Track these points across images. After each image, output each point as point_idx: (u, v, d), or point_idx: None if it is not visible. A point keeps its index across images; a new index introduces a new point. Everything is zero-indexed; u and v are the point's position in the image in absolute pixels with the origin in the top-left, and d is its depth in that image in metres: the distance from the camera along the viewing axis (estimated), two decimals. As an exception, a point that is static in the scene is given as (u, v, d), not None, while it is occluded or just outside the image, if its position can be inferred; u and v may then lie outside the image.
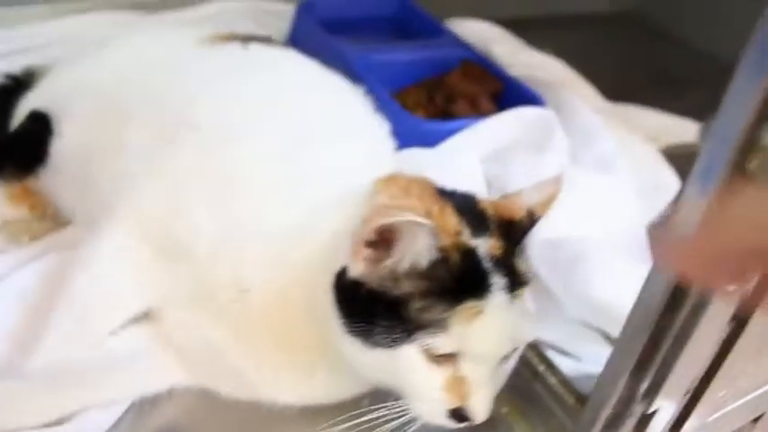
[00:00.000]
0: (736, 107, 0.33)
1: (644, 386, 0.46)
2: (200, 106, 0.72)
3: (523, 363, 0.63)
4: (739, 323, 0.47)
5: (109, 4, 1.26)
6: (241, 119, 0.72)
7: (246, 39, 0.84)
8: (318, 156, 0.70)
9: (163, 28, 0.97)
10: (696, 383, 0.50)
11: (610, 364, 0.45)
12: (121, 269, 0.65)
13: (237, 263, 0.62)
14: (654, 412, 0.47)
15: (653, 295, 0.40)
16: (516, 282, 0.55)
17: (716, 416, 0.63)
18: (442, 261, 0.52)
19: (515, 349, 0.56)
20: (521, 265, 0.57)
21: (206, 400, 0.66)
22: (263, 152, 0.68)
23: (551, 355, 0.68)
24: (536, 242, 0.75)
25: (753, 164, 0.34)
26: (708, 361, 0.46)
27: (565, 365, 0.66)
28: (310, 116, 0.75)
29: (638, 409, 0.48)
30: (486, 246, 0.55)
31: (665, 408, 0.48)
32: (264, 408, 0.64)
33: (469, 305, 0.52)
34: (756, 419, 0.80)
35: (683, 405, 0.53)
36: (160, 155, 0.69)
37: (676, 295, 0.40)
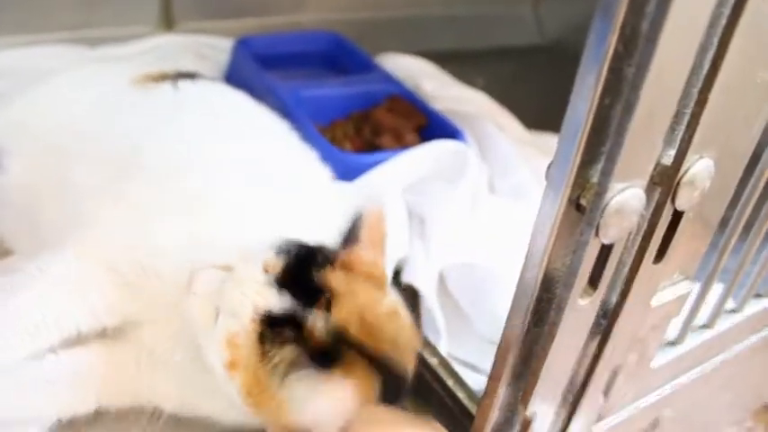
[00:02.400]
0: (568, 147, 0.40)
1: (522, 401, 0.52)
2: (143, 149, 0.77)
3: (434, 378, 0.68)
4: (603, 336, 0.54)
5: (52, 39, 1.28)
6: (183, 153, 0.77)
7: (175, 76, 0.89)
8: (258, 181, 0.76)
9: (97, 67, 1.00)
10: (570, 389, 0.57)
11: (492, 372, 0.51)
12: (72, 288, 0.67)
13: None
14: (532, 416, 0.53)
15: (522, 307, 0.46)
16: None
17: (606, 422, 0.70)
18: None
19: None
20: None
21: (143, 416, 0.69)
22: (207, 181, 0.74)
23: (462, 371, 0.73)
24: (450, 265, 0.81)
25: (584, 200, 0.41)
26: (574, 367, 0.53)
27: (473, 380, 0.72)
28: (243, 146, 0.82)
29: (520, 414, 0.54)
30: None
31: (544, 411, 0.54)
32: (205, 424, 0.68)
33: None
34: (654, 423, 0.87)
35: (562, 410, 0.59)
36: (115, 189, 0.73)
37: (540, 309, 0.47)
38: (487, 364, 0.77)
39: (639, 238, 0.48)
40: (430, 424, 0.54)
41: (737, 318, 0.79)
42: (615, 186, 0.41)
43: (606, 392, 0.61)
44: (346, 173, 0.92)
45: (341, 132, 1.10)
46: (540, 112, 1.33)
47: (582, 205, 0.42)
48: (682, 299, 0.59)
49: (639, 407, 0.74)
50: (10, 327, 0.65)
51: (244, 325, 0.57)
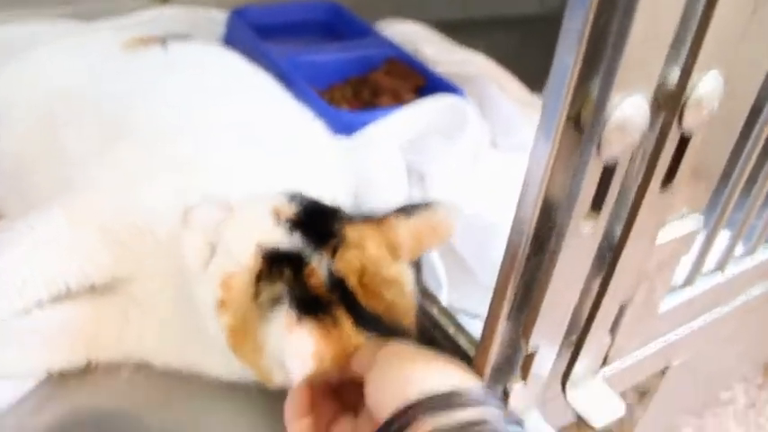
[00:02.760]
0: (565, 59, 0.38)
1: (523, 336, 0.51)
2: (132, 111, 0.76)
3: (434, 326, 0.67)
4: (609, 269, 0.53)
5: (45, 13, 1.27)
6: (173, 114, 0.76)
7: (163, 39, 0.88)
8: (251, 140, 0.74)
9: (86, 34, 0.99)
10: (574, 326, 0.55)
11: (491, 307, 0.50)
12: (61, 243, 0.66)
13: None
14: (535, 351, 0.52)
15: (520, 234, 0.44)
16: None
17: (612, 368, 0.69)
18: None
19: None
20: None
21: (135, 371, 0.68)
22: (199, 142, 0.73)
23: (463, 320, 0.72)
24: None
25: (584, 115, 0.40)
26: (577, 300, 0.51)
27: (475, 328, 0.70)
28: (236, 105, 0.80)
29: (521, 350, 0.53)
30: None
31: (546, 348, 0.53)
32: (195, 378, 0.67)
33: None
34: (663, 371, 0.86)
35: (566, 350, 0.58)
36: (108, 152, 0.72)
37: (540, 237, 0.45)
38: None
39: (645, 164, 0.47)
40: (450, 360, 0.53)
41: (748, 263, 0.77)
42: (616, 98, 0.39)
43: (612, 332, 0.60)
44: (345, 131, 0.91)
45: (339, 95, 1.08)
46: (541, 81, 1.32)
47: (582, 122, 0.40)
48: (690, 235, 0.58)
49: (647, 353, 0.73)
50: (21, 272, 0.65)
51: (242, 265, 0.56)
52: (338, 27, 1.34)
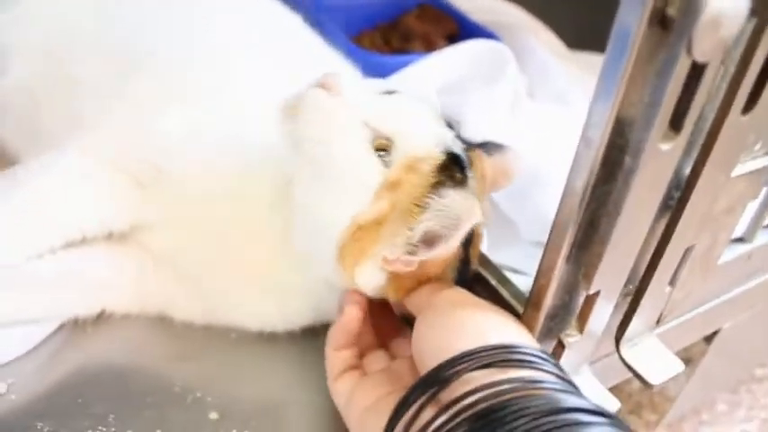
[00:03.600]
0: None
1: (583, 269, 0.45)
2: (150, 34, 0.72)
3: (478, 280, 0.62)
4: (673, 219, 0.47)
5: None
6: (186, 43, 0.71)
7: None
8: (279, 67, 0.70)
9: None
10: (634, 275, 0.50)
11: (548, 244, 0.44)
12: (76, 188, 0.63)
13: (212, 178, 0.61)
14: (597, 294, 0.47)
15: (588, 158, 0.39)
16: None
17: (665, 327, 0.63)
18: None
19: None
20: None
21: (151, 323, 0.65)
22: (225, 69, 0.68)
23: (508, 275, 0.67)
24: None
25: (672, 8, 0.34)
26: (639, 244, 0.46)
27: (518, 281, 0.65)
28: (254, 35, 0.75)
29: (579, 295, 0.47)
30: None
31: (604, 295, 0.48)
32: (216, 332, 0.64)
33: None
34: (709, 338, 0.81)
35: (624, 302, 0.53)
36: (119, 85, 0.67)
37: (609, 159, 0.40)
38: (532, 266, 0.72)
39: (729, 78, 0.41)
40: (507, 315, 0.50)
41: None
42: (712, -13, 0.33)
43: (672, 283, 0.54)
44: (376, 76, 0.85)
45: (368, 42, 1.03)
46: (578, 35, 1.27)
47: (669, 17, 0.34)
48: (760, 174, 0.52)
49: (701, 312, 0.67)
50: (11, 226, 0.61)
51: (428, 150, 0.53)
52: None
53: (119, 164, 0.62)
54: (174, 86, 0.66)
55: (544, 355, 0.44)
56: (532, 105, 0.90)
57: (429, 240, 0.50)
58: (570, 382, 0.44)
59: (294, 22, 0.81)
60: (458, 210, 0.50)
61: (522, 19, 1.16)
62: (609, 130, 0.38)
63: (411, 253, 0.51)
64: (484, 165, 0.58)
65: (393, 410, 0.44)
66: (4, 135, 0.80)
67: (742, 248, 0.65)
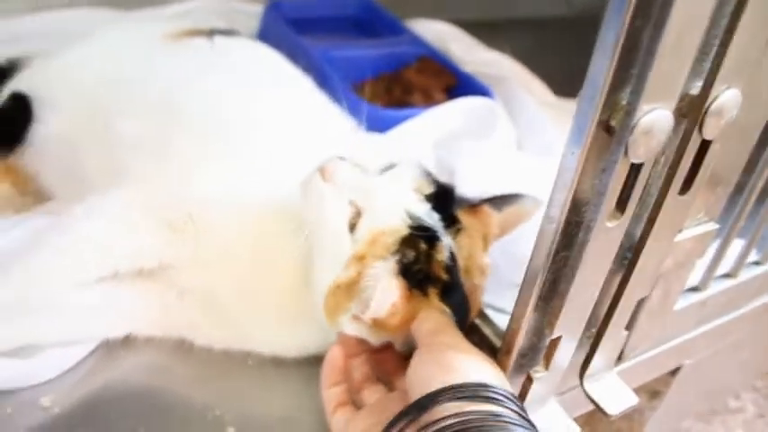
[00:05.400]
0: (599, 68, 0.41)
1: (547, 317, 0.54)
2: (183, 98, 0.80)
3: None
4: (629, 267, 0.56)
5: (87, 1, 1.31)
6: (221, 105, 0.80)
7: (210, 32, 0.92)
8: (291, 133, 0.79)
9: (131, 24, 1.03)
10: (594, 320, 0.59)
11: (519, 297, 0.53)
12: (116, 234, 0.70)
13: (239, 227, 0.69)
14: (559, 338, 0.56)
15: (550, 231, 0.48)
16: None
17: (629, 364, 0.72)
18: None
19: None
20: None
21: (176, 347, 0.73)
22: (246, 132, 0.77)
23: (489, 313, 0.75)
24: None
25: (614, 121, 0.43)
26: (594, 297, 0.55)
27: (499, 320, 0.74)
28: (277, 100, 0.85)
29: (545, 339, 0.56)
30: None
31: (569, 338, 0.57)
32: (234, 356, 0.72)
33: None
34: (674, 372, 0.89)
35: (586, 342, 0.61)
36: (161, 143, 0.76)
37: (568, 232, 0.49)
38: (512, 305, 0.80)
39: (667, 169, 0.50)
40: (487, 358, 0.58)
41: (760, 270, 0.80)
42: (644, 107, 0.42)
43: (629, 328, 0.63)
44: (377, 127, 0.94)
45: (371, 92, 1.11)
46: (567, 82, 1.34)
47: (612, 127, 0.44)
48: (705, 238, 0.61)
49: (661, 351, 0.76)
50: (54, 263, 0.69)
51: (390, 225, 0.61)
52: (370, 23, 1.38)
53: (156, 212, 0.70)
54: (211, 147, 0.75)
55: (509, 396, 0.53)
56: (520, 157, 0.99)
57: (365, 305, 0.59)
58: (527, 419, 0.52)
59: (307, 85, 0.90)
60: (374, 282, 0.59)
61: (515, 72, 1.24)
62: (566, 210, 0.47)
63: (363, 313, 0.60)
64: (490, 219, 0.67)
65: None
66: (43, 174, 0.88)
67: (697, 296, 0.74)
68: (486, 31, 1.46)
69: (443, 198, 0.66)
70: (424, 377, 0.54)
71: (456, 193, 0.68)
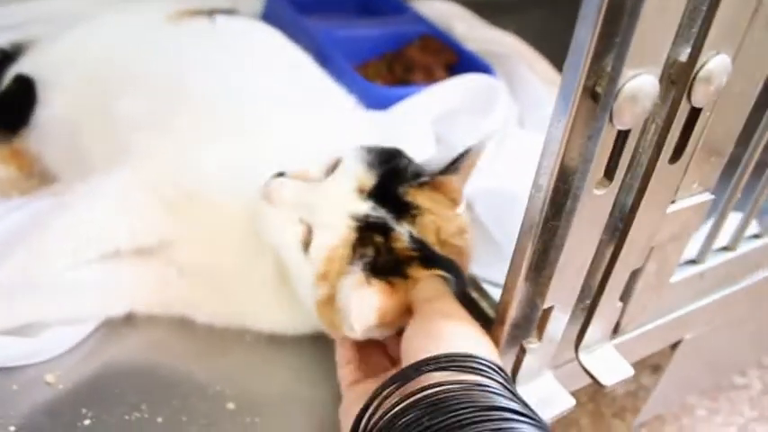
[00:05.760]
0: (584, 36, 0.42)
1: (538, 287, 0.55)
2: (184, 79, 0.80)
3: (461, 294, 0.71)
4: (621, 237, 0.56)
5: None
6: (222, 83, 0.80)
7: (211, 12, 0.92)
8: (299, 110, 0.79)
9: (132, 6, 1.04)
10: (588, 290, 0.59)
11: (510, 266, 0.54)
12: (116, 212, 0.71)
13: (238, 205, 0.69)
14: (551, 308, 0.56)
15: (539, 198, 0.48)
16: None
17: (626, 337, 0.72)
18: None
19: None
20: None
21: (176, 325, 0.74)
22: (246, 110, 0.78)
23: (487, 287, 0.76)
24: (477, 190, 0.84)
25: (599, 88, 0.43)
26: (585, 268, 0.55)
27: (495, 293, 0.74)
28: (276, 77, 0.86)
29: (538, 309, 0.57)
30: None
31: (561, 308, 0.57)
32: (233, 333, 0.73)
33: None
34: (674, 347, 0.90)
35: (580, 313, 0.62)
36: (162, 120, 0.76)
37: (556, 201, 0.49)
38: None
39: (656, 137, 0.50)
40: (479, 328, 0.59)
41: (760, 242, 0.80)
42: (628, 73, 0.42)
43: (624, 299, 0.63)
44: (379, 105, 0.94)
45: (374, 71, 1.12)
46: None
47: (597, 93, 0.44)
48: (700, 209, 0.61)
49: (659, 324, 0.76)
50: (56, 243, 0.70)
51: (341, 236, 0.61)
52: (374, 3, 1.37)
53: (156, 190, 0.71)
54: (212, 125, 0.76)
55: (495, 366, 0.53)
56: (520, 133, 0.99)
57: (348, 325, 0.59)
58: (511, 390, 0.53)
59: (307, 63, 0.90)
60: (347, 301, 0.58)
61: (517, 49, 1.24)
62: (554, 178, 0.47)
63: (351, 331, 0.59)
64: (453, 186, 0.67)
65: (367, 399, 0.54)
66: (47, 156, 0.89)
67: (695, 269, 0.74)
68: (490, 9, 1.46)
69: (390, 185, 0.64)
70: (413, 346, 0.55)
71: (408, 165, 0.67)
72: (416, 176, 0.66)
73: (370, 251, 0.60)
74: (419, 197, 0.64)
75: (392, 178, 0.64)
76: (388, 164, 0.65)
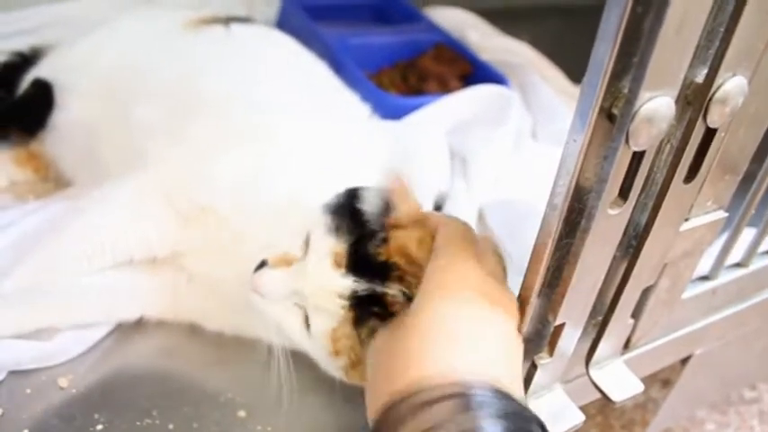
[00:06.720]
0: (601, 56, 0.42)
1: (551, 311, 0.55)
2: (200, 88, 0.81)
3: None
4: (634, 255, 0.56)
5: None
6: (238, 92, 0.81)
7: (227, 20, 0.93)
8: (306, 120, 0.80)
9: (150, 12, 1.04)
10: (600, 307, 0.59)
11: (524, 282, 0.54)
12: (130, 220, 0.71)
13: (249, 217, 0.70)
14: (563, 324, 0.56)
15: (554, 216, 0.49)
16: None
17: (637, 352, 0.72)
18: None
19: None
20: None
21: (189, 331, 0.75)
22: (262, 119, 0.78)
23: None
24: (490, 203, 0.84)
25: (615, 109, 0.43)
26: (597, 285, 0.55)
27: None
28: (292, 86, 0.86)
29: (550, 325, 0.57)
30: None
31: (573, 324, 0.57)
32: (245, 340, 0.73)
33: None
34: (684, 361, 0.89)
35: (591, 329, 0.62)
36: (178, 128, 0.76)
37: (571, 219, 0.49)
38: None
39: (671, 157, 0.50)
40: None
41: (772, 260, 0.80)
42: (645, 95, 0.42)
43: (635, 315, 0.63)
44: (392, 115, 0.95)
45: (387, 79, 1.13)
46: (585, 71, 1.34)
47: (613, 114, 0.44)
48: (714, 226, 0.61)
49: (669, 339, 0.76)
50: (71, 249, 0.71)
51: (337, 318, 0.59)
52: (387, 11, 1.38)
53: (170, 200, 0.72)
54: (227, 133, 0.76)
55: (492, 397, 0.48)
56: (533, 145, 0.99)
57: None
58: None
59: (323, 72, 0.91)
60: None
61: (531, 59, 1.25)
62: (569, 197, 0.47)
63: None
64: (405, 220, 0.62)
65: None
66: (63, 159, 0.90)
67: (707, 285, 0.74)
68: (505, 18, 1.46)
69: (361, 250, 0.60)
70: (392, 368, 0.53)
71: (367, 208, 0.63)
72: (378, 221, 0.62)
73: (370, 321, 0.59)
74: (392, 253, 0.60)
75: (361, 242, 0.60)
76: (351, 218, 0.62)
